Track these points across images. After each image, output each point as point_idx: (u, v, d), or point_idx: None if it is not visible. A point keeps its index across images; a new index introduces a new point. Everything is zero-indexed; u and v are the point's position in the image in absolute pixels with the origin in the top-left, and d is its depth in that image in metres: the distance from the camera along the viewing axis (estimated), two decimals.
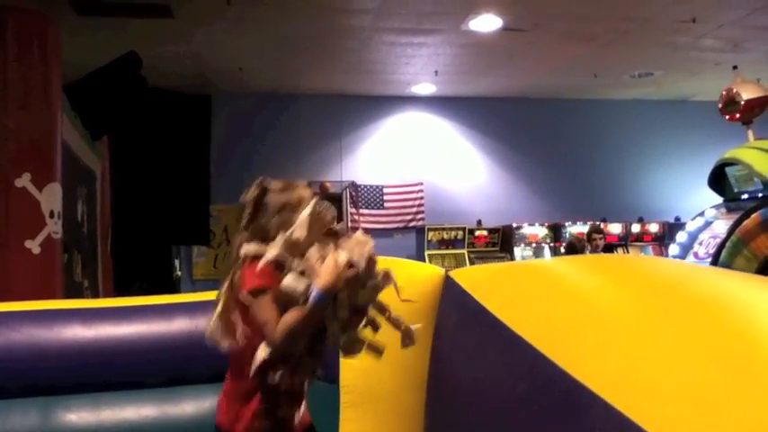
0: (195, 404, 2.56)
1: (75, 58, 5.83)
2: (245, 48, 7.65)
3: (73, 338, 2.48)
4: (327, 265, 1.75)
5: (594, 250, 7.24)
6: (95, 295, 6.44)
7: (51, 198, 4.64)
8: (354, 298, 1.80)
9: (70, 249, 5.57)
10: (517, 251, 9.89)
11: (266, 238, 1.89)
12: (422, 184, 10.07)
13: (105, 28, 6.54)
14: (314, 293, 1.73)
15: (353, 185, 9.83)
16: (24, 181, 4.49)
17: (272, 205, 1.93)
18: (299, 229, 1.85)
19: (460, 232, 9.90)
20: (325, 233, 1.90)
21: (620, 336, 1.04)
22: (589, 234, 7.48)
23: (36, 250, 4.49)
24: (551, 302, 1.23)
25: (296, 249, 1.83)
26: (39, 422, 2.49)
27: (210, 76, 8.63)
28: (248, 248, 1.87)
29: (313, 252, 1.80)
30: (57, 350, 2.54)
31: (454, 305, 1.50)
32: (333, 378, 2.22)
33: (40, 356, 2.55)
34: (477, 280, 1.50)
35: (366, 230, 7.23)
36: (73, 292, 5.54)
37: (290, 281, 1.77)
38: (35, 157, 4.64)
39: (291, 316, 1.73)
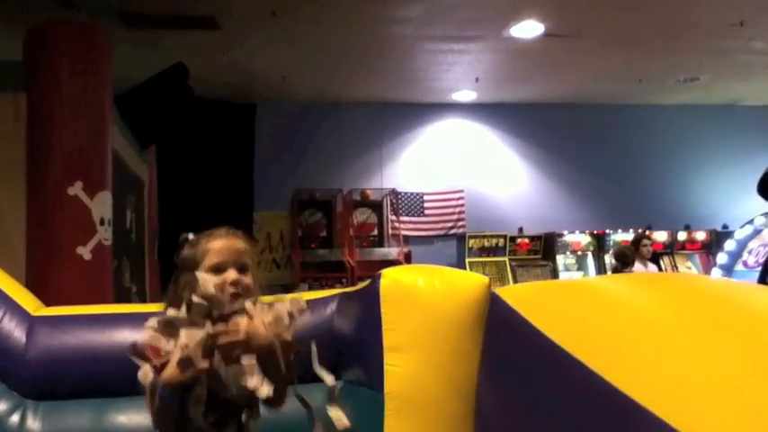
0: None
1: (123, 70, 6.00)
2: (288, 57, 7.77)
3: (123, 342, 2.54)
4: (175, 353, 1.53)
5: (643, 258, 7.07)
6: (143, 300, 6.59)
7: (102, 206, 4.78)
8: (220, 390, 1.55)
9: (119, 256, 5.72)
10: (560, 259, 9.77)
11: (174, 303, 1.69)
12: (462, 191, 10.05)
13: (152, 40, 6.71)
14: (158, 388, 1.55)
15: (394, 193, 9.86)
16: (76, 189, 4.63)
17: (179, 264, 1.77)
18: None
19: (502, 240, 9.83)
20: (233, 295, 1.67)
21: (672, 352, 1.03)
22: (637, 241, 7.31)
23: (87, 256, 4.62)
24: (599, 319, 1.23)
25: (171, 328, 1.60)
26: (91, 423, 2.56)
27: (254, 85, 8.77)
28: (149, 323, 1.67)
29: (184, 333, 1.55)
30: (108, 353, 2.60)
31: (500, 322, 1.50)
32: (378, 385, 2.23)
33: (93, 359, 2.61)
34: (523, 297, 1.50)
35: (406, 238, 7.19)
36: (122, 297, 5.68)
37: (140, 372, 1.59)
38: (87, 166, 4.79)
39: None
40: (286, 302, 1.72)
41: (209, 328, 1.57)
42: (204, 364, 1.52)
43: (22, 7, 5.62)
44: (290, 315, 1.69)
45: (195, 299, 1.61)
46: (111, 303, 4.30)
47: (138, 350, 1.64)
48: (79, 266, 4.62)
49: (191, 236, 1.81)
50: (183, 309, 1.63)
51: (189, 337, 1.54)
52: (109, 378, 2.56)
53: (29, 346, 2.59)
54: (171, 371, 1.53)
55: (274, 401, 1.69)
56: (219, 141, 8.81)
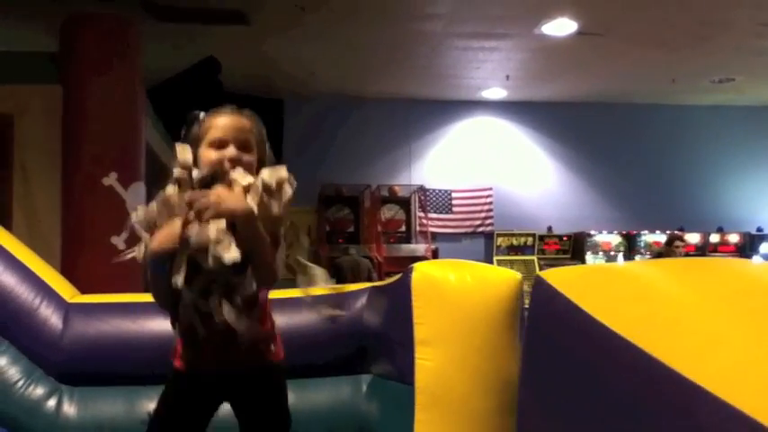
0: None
1: (154, 63, 6.07)
2: (317, 53, 7.79)
3: (157, 330, 2.57)
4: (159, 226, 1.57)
5: None
6: None
7: (136, 196, 4.85)
8: (199, 258, 1.54)
9: None
10: (589, 259, 9.69)
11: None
12: (491, 189, 10.01)
13: (182, 33, 6.77)
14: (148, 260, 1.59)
15: (422, 189, 9.85)
16: (111, 180, 4.71)
17: (187, 142, 1.74)
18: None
19: (530, 238, 9.77)
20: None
21: (724, 333, 1.04)
22: (670, 242, 7.14)
23: (121, 246, 4.69)
24: (647, 302, 1.22)
25: (168, 205, 1.62)
26: (124, 409, 2.60)
27: (283, 80, 8.82)
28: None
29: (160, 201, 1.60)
30: (141, 341, 2.64)
31: (545, 304, 1.49)
32: (408, 378, 2.24)
33: (127, 347, 2.66)
34: (568, 280, 1.49)
35: (434, 235, 7.14)
36: None
37: (136, 250, 1.65)
38: (121, 157, 4.87)
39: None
40: (270, 173, 1.66)
41: (175, 193, 1.60)
42: (177, 230, 1.54)
43: (57, 0, 5.71)
44: (277, 185, 1.65)
45: (175, 170, 1.64)
46: (143, 292, 4.36)
47: (134, 231, 1.68)
48: (112, 255, 4.67)
49: (202, 114, 1.78)
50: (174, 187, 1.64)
51: (163, 204, 1.59)
52: (142, 365, 2.59)
53: (65, 333, 2.64)
54: (153, 241, 1.58)
55: (261, 276, 1.64)
56: None
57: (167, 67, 6.33)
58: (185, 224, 1.56)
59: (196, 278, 1.58)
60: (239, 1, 6.24)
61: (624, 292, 1.30)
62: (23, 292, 2.68)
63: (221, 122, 1.73)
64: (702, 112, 10.26)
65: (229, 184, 1.62)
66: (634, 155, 10.11)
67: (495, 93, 9.62)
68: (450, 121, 10.13)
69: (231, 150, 1.69)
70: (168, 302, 1.65)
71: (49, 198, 4.74)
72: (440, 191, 9.98)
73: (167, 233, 1.58)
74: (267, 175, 1.66)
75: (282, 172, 1.69)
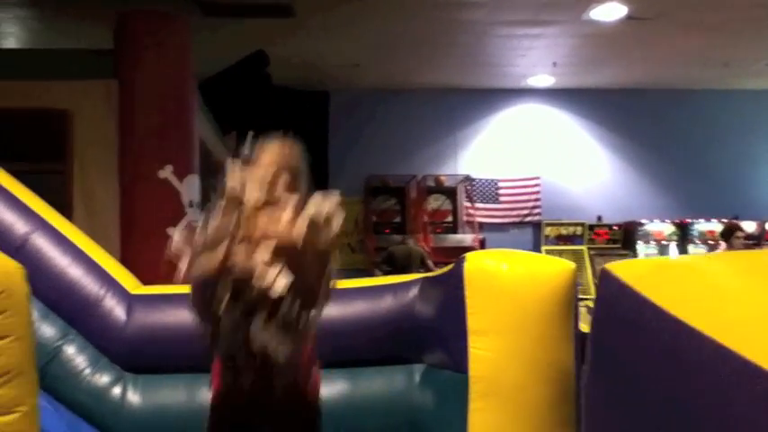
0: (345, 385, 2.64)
1: (202, 57, 6.18)
2: (361, 45, 7.82)
3: None
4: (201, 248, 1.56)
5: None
6: None
7: (190, 188, 4.99)
8: (246, 286, 1.54)
9: None
10: (640, 248, 9.51)
11: None
12: (538, 178, 9.91)
13: (229, 27, 6.87)
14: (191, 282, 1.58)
15: (468, 179, 9.81)
16: (167, 173, 4.85)
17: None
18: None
19: (579, 228, 9.64)
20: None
21: None
22: (728, 232, 6.83)
23: (177, 237, 4.81)
24: (718, 296, 1.21)
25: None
26: (186, 396, 2.69)
27: (328, 72, 8.87)
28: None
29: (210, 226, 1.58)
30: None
31: (614, 298, 1.50)
32: (462, 368, 2.26)
33: (187, 336, 2.73)
34: (638, 273, 1.48)
35: (481, 224, 7.10)
36: None
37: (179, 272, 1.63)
38: (175, 150, 5.00)
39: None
40: (319, 203, 1.65)
41: (226, 219, 1.59)
42: (220, 256, 1.54)
43: None
44: (327, 215, 1.64)
45: (226, 190, 1.65)
46: None
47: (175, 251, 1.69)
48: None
49: (254, 136, 1.84)
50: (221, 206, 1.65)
51: (213, 230, 1.58)
52: (202, 354, 2.67)
53: (128, 323, 2.74)
54: (197, 265, 1.60)
55: (303, 302, 1.62)
56: (295, 128, 8.94)
57: (216, 61, 6.43)
58: (230, 250, 1.56)
59: (238, 303, 1.58)
60: None
61: (694, 286, 1.30)
62: (89, 283, 2.79)
63: (273, 149, 1.79)
64: (757, 97, 9.96)
65: (278, 211, 1.64)
66: (686, 141, 9.87)
67: (542, 80, 9.50)
68: (495, 110, 10.05)
69: (281, 175, 1.74)
70: (208, 324, 1.66)
71: (107, 191, 4.89)
72: (486, 180, 9.93)
73: (211, 258, 1.58)
74: (317, 204, 1.65)
75: (332, 201, 1.69)
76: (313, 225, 1.61)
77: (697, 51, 8.18)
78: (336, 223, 1.66)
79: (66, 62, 5.20)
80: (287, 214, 1.62)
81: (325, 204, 1.65)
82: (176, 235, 1.72)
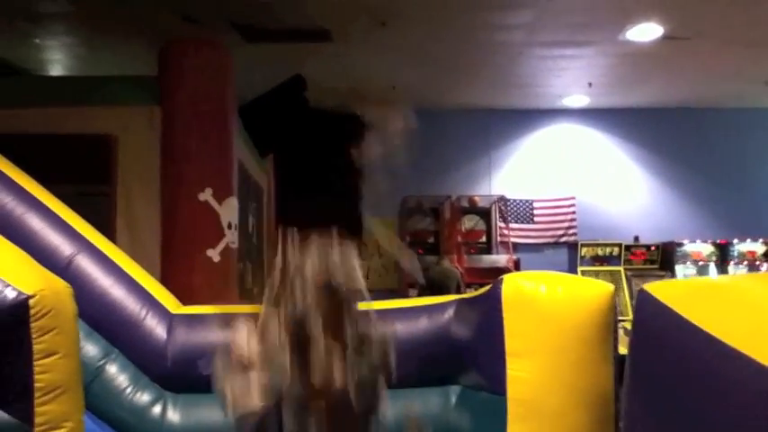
0: None
1: (241, 82, 6.32)
2: (397, 67, 7.89)
3: None
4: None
5: None
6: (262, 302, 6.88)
7: (229, 211, 5.09)
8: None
9: (243, 258, 6.02)
10: (679, 269, 9.32)
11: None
12: (574, 198, 9.82)
13: (267, 52, 7.01)
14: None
15: (503, 199, 9.79)
16: (207, 195, 4.95)
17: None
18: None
19: (616, 248, 9.51)
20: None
21: None
22: None
23: (216, 258, 4.92)
24: (758, 315, 1.20)
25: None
26: (224, 417, 2.71)
27: (365, 95, 8.95)
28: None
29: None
30: None
31: (652, 319, 1.49)
32: (499, 390, 2.26)
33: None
34: (677, 294, 1.48)
35: (515, 245, 7.08)
36: (245, 297, 5.98)
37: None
38: (215, 173, 5.11)
39: None
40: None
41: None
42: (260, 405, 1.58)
43: (152, 25, 6.04)
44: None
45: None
46: (237, 304, 4.54)
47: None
48: (209, 268, 4.91)
49: None
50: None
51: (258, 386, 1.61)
52: None
53: (169, 342, 2.80)
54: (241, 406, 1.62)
55: None
56: (329, 149, 9.06)
57: (254, 85, 6.55)
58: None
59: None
60: (324, 19, 6.41)
61: (733, 306, 1.29)
62: (131, 303, 2.86)
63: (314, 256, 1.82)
64: None
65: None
66: (724, 160, 9.70)
67: (577, 100, 9.46)
68: (529, 130, 10.02)
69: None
70: None
71: (149, 213, 5.01)
72: (521, 201, 9.88)
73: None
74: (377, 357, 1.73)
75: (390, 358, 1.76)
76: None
77: (734, 69, 8.08)
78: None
79: (111, 88, 5.36)
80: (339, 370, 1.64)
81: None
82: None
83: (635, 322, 1.57)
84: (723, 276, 7.85)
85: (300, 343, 1.64)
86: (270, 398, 1.61)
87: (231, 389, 1.68)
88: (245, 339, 1.70)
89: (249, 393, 1.63)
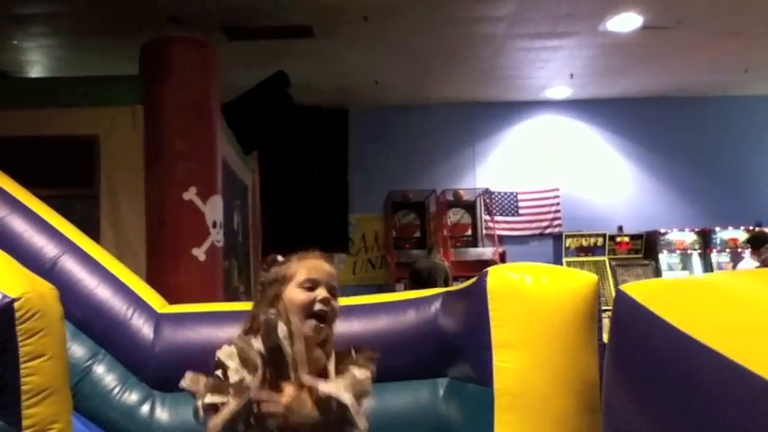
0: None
1: (224, 80, 6.31)
2: (380, 61, 7.90)
3: None
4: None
5: (764, 264, 6.33)
6: (249, 299, 6.89)
7: (214, 209, 5.08)
8: None
9: (228, 257, 6.01)
10: (662, 258, 9.43)
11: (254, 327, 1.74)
12: (558, 189, 9.89)
13: (250, 49, 6.99)
14: None
15: (487, 192, 9.83)
16: (191, 194, 4.94)
17: (268, 281, 1.77)
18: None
19: (600, 239, 9.59)
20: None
21: None
22: (757, 241, 6.52)
23: (202, 257, 4.91)
24: (735, 312, 1.21)
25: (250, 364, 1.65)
26: None
27: (347, 90, 8.96)
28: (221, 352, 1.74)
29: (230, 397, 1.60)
30: None
31: (628, 318, 1.51)
32: (487, 381, 2.28)
33: (214, 355, 2.78)
34: (651, 293, 1.49)
35: (501, 237, 7.13)
36: (231, 295, 5.97)
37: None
38: (200, 172, 5.09)
39: None
40: (353, 382, 1.65)
41: (250, 393, 1.59)
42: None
43: (135, 24, 6.00)
44: (357, 395, 1.64)
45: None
46: (222, 302, 4.54)
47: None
48: (194, 267, 4.91)
49: (279, 258, 1.82)
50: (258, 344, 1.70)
51: (233, 401, 1.60)
52: None
53: (156, 342, 2.79)
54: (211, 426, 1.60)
55: None
56: (315, 146, 9.07)
57: (239, 83, 6.55)
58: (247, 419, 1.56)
59: None
60: (306, 16, 6.40)
61: (710, 304, 1.30)
62: (117, 303, 2.84)
63: (312, 264, 1.76)
64: None
65: (301, 385, 1.63)
66: (706, 149, 9.80)
67: (560, 92, 9.52)
68: (513, 122, 10.08)
69: (323, 292, 1.72)
70: None
71: (133, 213, 4.99)
72: (505, 193, 9.93)
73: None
74: (348, 384, 1.65)
75: (366, 381, 1.70)
76: (340, 405, 1.62)
77: (715, 58, 8.16)
78: (368, 402, 1.68)
79: (93, 89, 5.32)
80: (313, 392, 1.62)
81: (357, 384, 1.67)
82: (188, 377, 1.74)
83: (612, 323, 1.58)
84: (699, 275, 7.91)
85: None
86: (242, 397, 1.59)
87: (204, 407, 1.68)
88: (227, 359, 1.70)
89: (222, 416, 1.60)
